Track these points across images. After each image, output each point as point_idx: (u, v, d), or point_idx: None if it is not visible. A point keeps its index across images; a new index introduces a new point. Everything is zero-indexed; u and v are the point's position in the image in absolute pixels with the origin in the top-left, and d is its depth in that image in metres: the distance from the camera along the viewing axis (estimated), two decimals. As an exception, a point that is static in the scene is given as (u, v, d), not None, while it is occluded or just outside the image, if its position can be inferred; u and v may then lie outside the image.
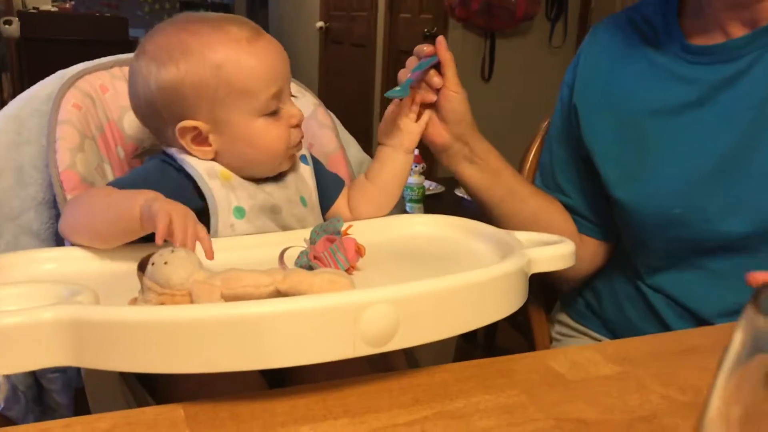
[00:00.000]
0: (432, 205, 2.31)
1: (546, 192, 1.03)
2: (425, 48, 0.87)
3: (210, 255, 0.62)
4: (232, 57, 0.75)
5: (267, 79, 0.76)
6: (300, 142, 0.82)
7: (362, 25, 4.40)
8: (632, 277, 0.98)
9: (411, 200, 2.24)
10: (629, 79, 0.94)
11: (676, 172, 0.88)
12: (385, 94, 0.88)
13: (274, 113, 0.78)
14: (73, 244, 0.72)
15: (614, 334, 1.01)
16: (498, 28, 3.35)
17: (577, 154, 1.00)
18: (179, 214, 0.62)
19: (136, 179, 0.76)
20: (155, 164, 0.79)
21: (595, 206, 1.01)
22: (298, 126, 0.80)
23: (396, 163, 0.88)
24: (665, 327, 0.93)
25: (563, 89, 1.03)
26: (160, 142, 0.82)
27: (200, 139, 0.77)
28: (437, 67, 0.88)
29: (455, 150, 0.93)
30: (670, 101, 0.90)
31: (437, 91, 0.88)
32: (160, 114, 0.77)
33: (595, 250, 1.02)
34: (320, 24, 4.98)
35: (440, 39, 0.88)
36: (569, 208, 1.02)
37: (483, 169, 0.95)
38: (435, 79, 0.88)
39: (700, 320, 0.89)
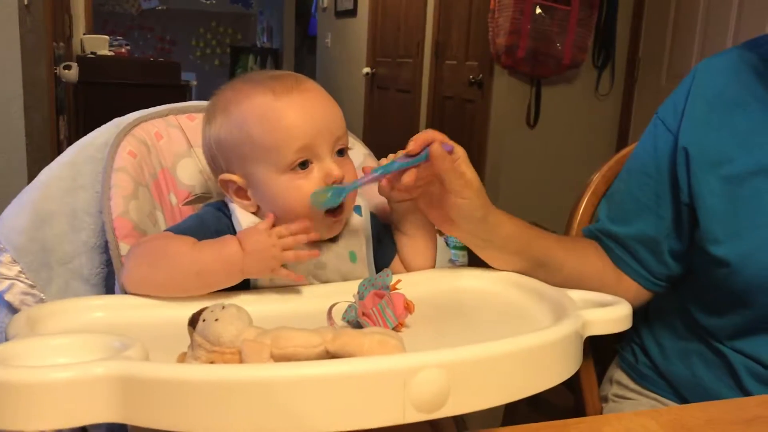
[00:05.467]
0: (476, 252, 2.28)
1: (599, 228, 0.95)
2: (410, 145, 0.74)
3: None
4: (256, 112, 0.76)
5: (291, 132, 0.74)
6: (341, 207, 0.77)
7: (408, 71, 4.45)
8: (704, 335, 0.91)
9: (455, 247, 2.21)
10: (744, 130, 0.85)
11: None
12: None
13: (303, 167, 0.75)
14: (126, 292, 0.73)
15: (682, 398, 0.94)
16: (544, 75, 3.35)
17: (669, 195, 0.90)
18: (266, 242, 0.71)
19: (193, 225, 0.78)
20: (211, 210, 0.81)
21: (658, 250, 0.92)
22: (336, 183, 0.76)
23: (419, 241, 0.86)
24: (743, 391, 0.86)
25: (658, 126, 0.92)
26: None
27: (241, 192, 0.80)
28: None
29: (468, 238, 0.82)
30: None
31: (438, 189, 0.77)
32: (210, 165, 0.84)
33: (634, 295, 0.93)
34: (367, 70, 5.05)
35: (435, 145, 0.73)
36: (625, 246, 0.93)
37: (500, 250, 0.84)
38: (406, 179, 0.75)
39: None
